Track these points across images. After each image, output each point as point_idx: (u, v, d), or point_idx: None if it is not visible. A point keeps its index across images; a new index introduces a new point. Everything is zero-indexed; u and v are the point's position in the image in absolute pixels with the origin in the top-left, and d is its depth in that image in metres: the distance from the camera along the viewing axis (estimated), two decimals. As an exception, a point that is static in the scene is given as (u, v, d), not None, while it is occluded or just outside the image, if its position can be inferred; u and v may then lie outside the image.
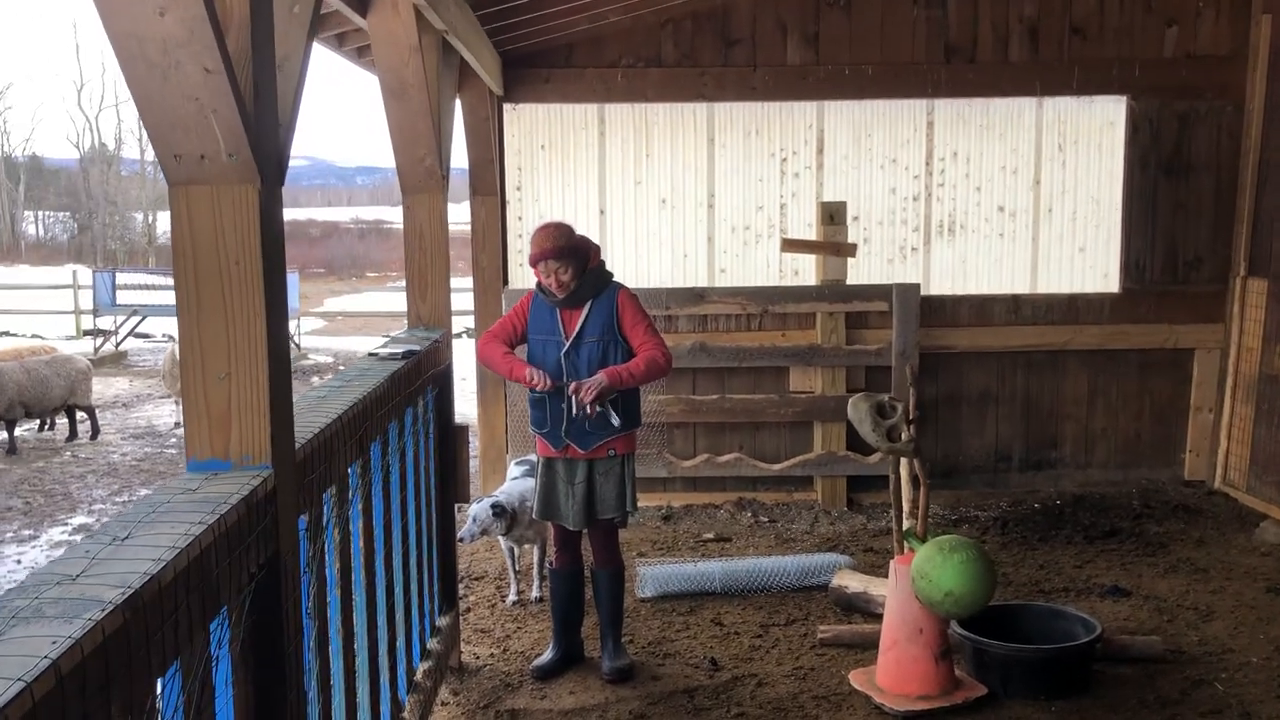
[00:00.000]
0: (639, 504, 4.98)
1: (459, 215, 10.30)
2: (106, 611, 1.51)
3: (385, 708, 3.54)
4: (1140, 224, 7.41)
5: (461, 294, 8.36)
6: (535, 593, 5.67)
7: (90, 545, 1.79)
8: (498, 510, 5.34)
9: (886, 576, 5.14)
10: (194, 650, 1.89)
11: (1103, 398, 7.50)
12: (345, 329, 21.56)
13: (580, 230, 4.70)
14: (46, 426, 11.54)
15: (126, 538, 1.82)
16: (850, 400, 4.54)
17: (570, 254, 4.49)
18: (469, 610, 5.53)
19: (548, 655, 4.85)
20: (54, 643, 1.40)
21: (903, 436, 4.41)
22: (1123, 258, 7.46)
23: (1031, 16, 7.26)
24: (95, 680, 1.46)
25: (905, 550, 4.46)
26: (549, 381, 4.49)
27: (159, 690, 1.78)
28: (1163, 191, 7.38)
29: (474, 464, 7.58)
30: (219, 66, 1.95)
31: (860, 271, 7.34)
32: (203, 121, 2.04)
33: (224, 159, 2.09)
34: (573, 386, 4.47)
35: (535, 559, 5.73)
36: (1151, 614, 5.32)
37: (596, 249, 4.66)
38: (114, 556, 1.74)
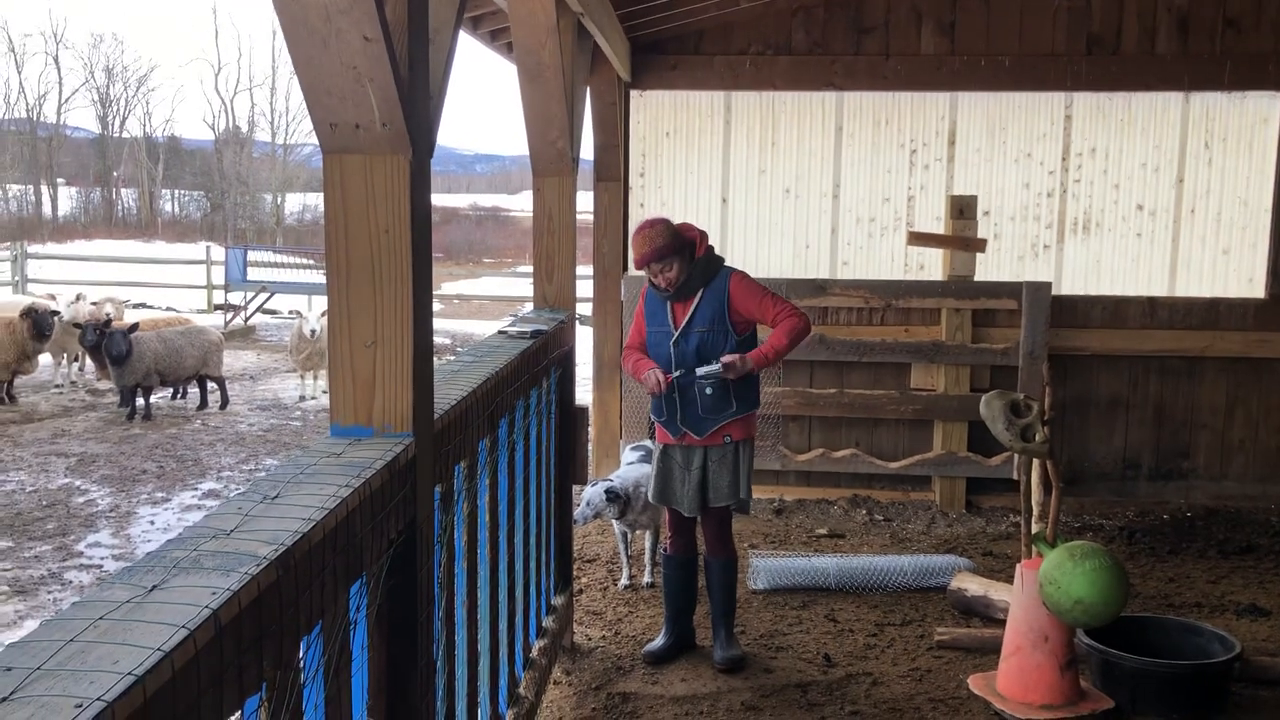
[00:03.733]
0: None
1: (580, 204, 10.37)
2: (261, 567, 1.54)
3: (504, 681, 3.57)
4: (1291, 227, 7.05)
5: (579, 282, 8.42)
6: (647, 578, 5.67)
7: (242, 502, 1.83)
8: (611, 495, 5.35)
9: (1007, 581, 5.00)
10: (336, 612, 1.91)
11: (1242, 407, 7.16)
12: (462, 312, 21.93)
13: (702, 219, 4.66)
14: (179, 395, 12.01)
15: (276, 497, 1.86)
16: (983, 398, 4.41)
17: (673, 251, 4.45)
18: (581, 592, 5.55)
19: (659, 641, 4.84)
20: (213, 593, 1.42)
21: (1037, 437, 4.27)
22: (1271, 262, 7.10)
23: (1181, 7, 6.95)
24: (250, 634, 1.49)
25: (1034, 554, 4.32)
26: (663, 379, 4.48)
27: (302, 650, 1.81)
28: (1318, 193, 7.00)
29: (588, 449, 7.62)
30: (378, 35, 1.97)
31: (989, 268, 7.14)
32: (359, 90, 2.06)
33: (378, 128, 2.11)
34: (731, 375, 4.44)
35: (647, 545, 5.73)
36: (1293, 636, 5.07)
37: (702, 235, 4.59)
38: (265, 514, 1.77)
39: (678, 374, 4.49)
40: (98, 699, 1.12)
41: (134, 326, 10.86)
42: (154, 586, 1.44)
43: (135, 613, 1.35)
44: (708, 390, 4.50)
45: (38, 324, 11.45)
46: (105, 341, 10.65)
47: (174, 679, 1.25)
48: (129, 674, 1.17)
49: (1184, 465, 7.22)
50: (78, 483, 8.45)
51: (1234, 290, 7.17)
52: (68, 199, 46.33)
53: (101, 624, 1.31)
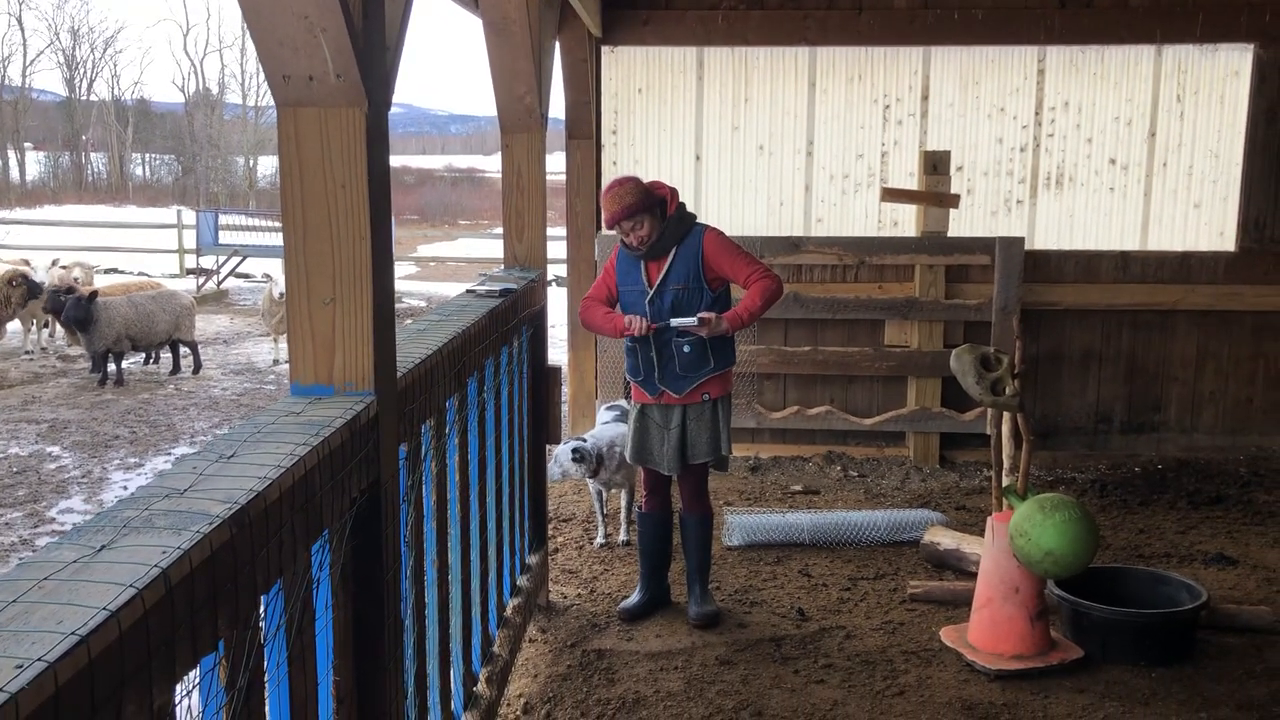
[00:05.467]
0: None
1: (553, 165, 10.29)
2: (214, 525, 1.52)
3: (476, 640, 3.58)
4: (1262, 180, 7.06)
5: (553, 243, 8.37)
6: (623, 536, 5.68)
7: (197, 461, 1.80)
8: (577, 455, 5.35)
9: (979, 534, 5.04)
10: (296, 571, 1.90)
11: (1213, 360, 7.21)
12: (438, 275, 21.81)
13: (675, 176, 4.62)
14: (151, 360, 11.91)
15: (232, 455, 1.83)
16: (954, 351, 4.42)
17: (644, 209, 4.42)
18: (557, 551, 5.56)
19: (635, 598, 4.86)
20: (164, 552, 1.40)
21: (1007, 391, 4.28)
22: (1241, 215, 7.12)
23: (1155, -42, 6.91)
24: (203, 592, 1.47)
25: (1004, 507, 4.35)
26: (647, 324, 4.45)
27: (262, 609, 1.80)
28: (1289, 146, 7.02)
29: (563, 409, 7.61)
30: (329, -17, 1.92)
31: (962, 224, 7.14)
32: (312, 40, 2.01)
33: (332, 80, 2.07)
34: (704, 332, 4.41)
35: (623, 503, 5.74)
36: (1260, 584, 5.13)
37: (673, 192, 4.55)
38: (220, 473, 1.75)
39: (660, 324, 4.46)
40: (39, 659, 1.10)
41: (92, 294, 10.71)
42: (103, 546, 1.42)
43: (82, 573, 1.33)
44: (685, 348, 4.48)
45: (33, 289, 11.42)
46: (60, 306, 10.58)
47: (121, 638, 1.23)
48: (72, 634, 1.16)
49: (1155, 418, 7.28)
50: (49, 449, 8.39)
51: (1205, 244, 7.20)
52: (35, 163, 45.70)
53: (47, 584, 1.29)
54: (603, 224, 4.53)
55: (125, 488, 7.49)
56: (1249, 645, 4.47)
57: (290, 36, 2.01)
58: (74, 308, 10.42)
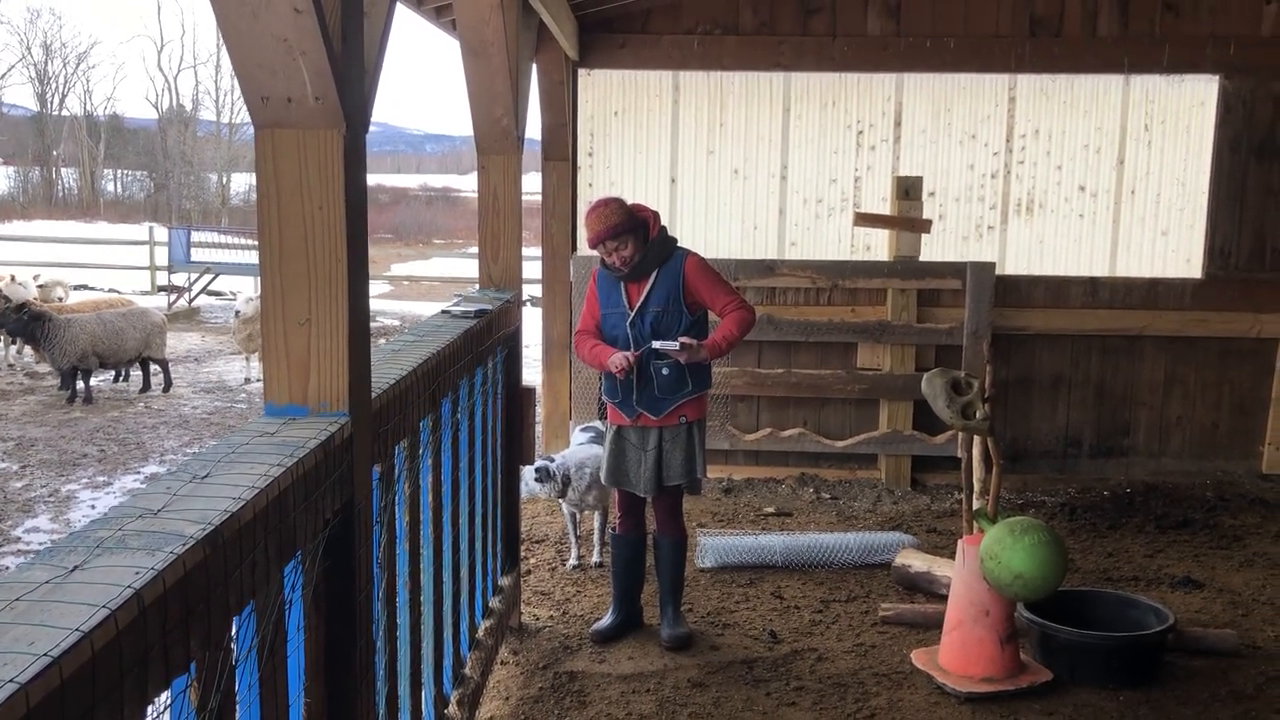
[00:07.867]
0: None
1: (528, 185, 10.31)
2: (188, 546, 1.52)
3: (448, 662, 3.56)
4: (1228, 208, 7.18)
5: (528, 263, 8.38)
6: (596, 558, 5.68)
7: (171, 482, 1.80)
8: (540, 475, 5.36)
9: (951, 557, 5.07)
10: (269, 592, 1.89)
11: (1180, 386, 7.30)
12: (411, 294, 21.74)
13: (651, 199, 4.66)
14: (121, 378, 11.80)
15: (206, 476, 1.83)
16: (925, 375, 4.46)
17: (628, 230, 4.45)
18: (529, 573, 5.55)
19: (607, 620, 4.85)
20: (137, 573, 1.40)
21: (977, 414, 4.32)
22: (1207, 242, 7.23)
23: (1122, -10, 7.04)
24: (176, 613, 1.47)
25: (975, 530, 4.38)
26: (631, 361, 4.47)
27: (234, 630, 1.79)
28: (1254, 175, 7.14)
29: (537, 430, 7.60)
30: (309, 6, 1.94)
31: (934, 248, 7.21)
32: (291, 63, 2.02)
33: (311, 102, 2.08)
34: (684, 358, 4.44)
35: (596, 525, 5.73)
36: (1225, 607, 5.19)
37: (655, 216, 4.60)
38: (194, 494, 1.75)
39: (643, 348, 4.49)
40: (10, 681, 1.10)
41: (21, 305, 10.74)
42: (75, 567, 1.41)
43: (55, 593, 1.33)
44: (664, 370, 4.51)
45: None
46: (4, 321, 10.62)
47: (93, 660, 1.22)
48: (44, 655, 1.15)
49: (1124, 442, 7.36)
50: (15, 467, 8.29)
51: (1172, 270, 7.30)
52: (4, 178, 45.27)
53: (19, 605, 1.29)
54: (586, 243, 4.56)
55: (93, 507, 7.40)
56: (1214, 668, 4.51)
57: (269, 59, 2.02)
58: (14, 322, 10.52)
